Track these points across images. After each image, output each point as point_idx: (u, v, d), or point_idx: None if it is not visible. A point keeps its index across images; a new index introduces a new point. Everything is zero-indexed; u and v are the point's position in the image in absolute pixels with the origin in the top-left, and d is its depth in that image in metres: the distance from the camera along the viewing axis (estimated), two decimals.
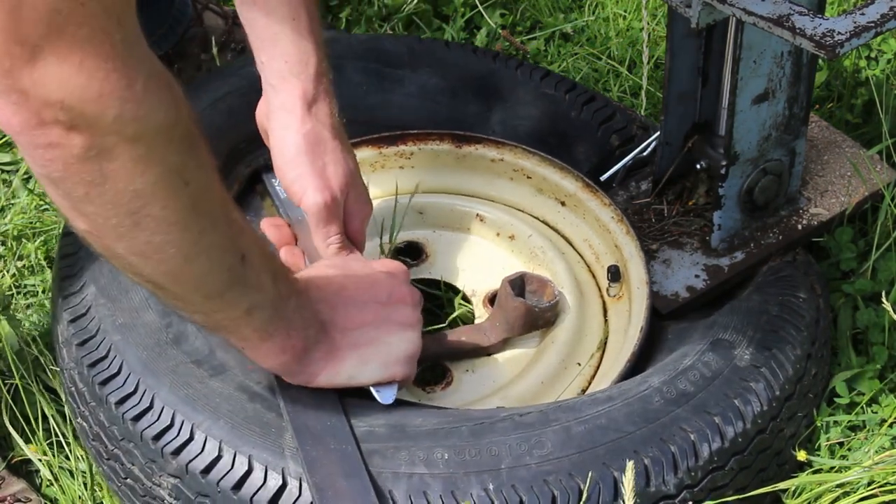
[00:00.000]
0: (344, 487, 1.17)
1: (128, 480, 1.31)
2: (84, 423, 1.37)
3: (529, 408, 1.31)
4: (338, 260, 1.37)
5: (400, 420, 1.26)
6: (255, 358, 1.20)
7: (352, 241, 1.44)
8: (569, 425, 1.26)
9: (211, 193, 1.02)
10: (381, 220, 1.63)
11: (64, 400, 1.48)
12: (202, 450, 1.23)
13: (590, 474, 1.22)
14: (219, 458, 1.22)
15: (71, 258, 1.45)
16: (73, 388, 1.38)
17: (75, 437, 1.49)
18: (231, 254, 1.06)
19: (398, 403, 1.33)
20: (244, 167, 1.64)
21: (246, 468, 1.21)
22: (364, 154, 1.66)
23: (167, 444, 1.24)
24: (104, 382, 1.31)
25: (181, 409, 1.25)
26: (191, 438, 1.24)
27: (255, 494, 1.21)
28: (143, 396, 1.28)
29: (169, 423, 1.25)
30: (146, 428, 1.26)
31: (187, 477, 1.23)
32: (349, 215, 1.43)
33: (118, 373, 1.31)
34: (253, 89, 1.65)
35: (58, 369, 1.47)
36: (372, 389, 1.30)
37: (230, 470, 1.22)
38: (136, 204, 0.96)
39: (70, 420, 1.49)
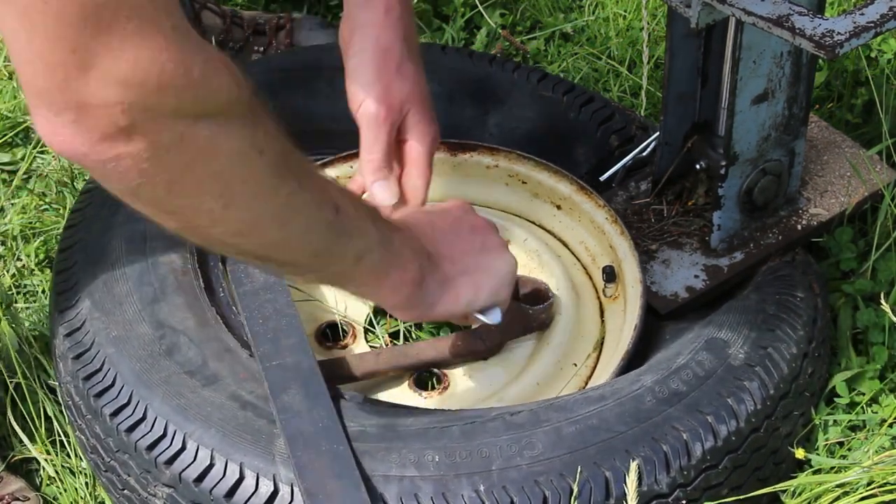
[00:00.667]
0: (334, 488, 1.19)
1: (125, 491, 1.33)
2: (82, 436, 1.40)
3: (520, 406, 1.32)
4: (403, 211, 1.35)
5: (391, 420, 1.27)
6: (376, 300, 1.23)
7: (413, 169, 1.39)
8: (560, 426, 1.26)
9: (288, 156, 1.01)
10: None
11: (63, 413, 1.48)
12: (194, 458, 1.25)
13: (579, 474, 1.22)
14: (211, 466, 1.24)
15: (66, 273, 1.47)
16: (70, 402, 1.41)
17: (75, 437, 1.49)
18: (325, 207, 1.06)
19: (389, 404, 1.33)
20: None
21: (238, 476, 1.23)
22: None
23: (160, 453, 1.26)
24: (99, 395, 1.33)
25: (173, 419, 1.27)
26: (183, 448, 1.26)
27: (247, 501, 1.22)
28: (136, 407, 1.30)
29: (162, 433, 1.27)
30: (140, 438, 1.28)
31: (181, 486, 1.25)
32: (410, 135, 1.38)
33: (112, 385, 1.33)
34: None
35: (57, 383, 1.48)
36: (480, 316, 1.32)
37: (222, 478, 1.24)
38: (219, 186, 0.95)
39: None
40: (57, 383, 1.48)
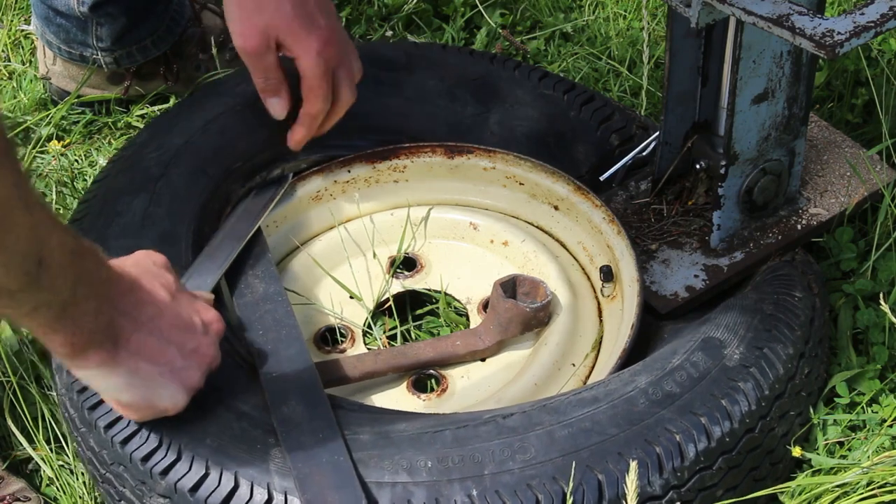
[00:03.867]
0: (335, 499, 1.20)
1: (122, 503, 1.34)
2: (79, 448, 1.41)
3: (513, 409, 1.32)
4: (176, 288, 1.30)
5: (383, 427, 1.28)
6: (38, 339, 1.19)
7: (303, 82, 1.54)
8: (552, 429, 1.27)
9: (4, 197, 0.98)
10: (374, 233, 1.66)
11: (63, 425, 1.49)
12: (189, 469, 1.26)
13: (573, 477, 1.23)
14: (206, 476, 1.25)
15: None
16: (66, 414, 1.42)
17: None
18: (27, 258, 1.02)
19: (382, 410, 1.33)
20: (240, 188, 1.65)
21: (232, 485, 1.24)
22: (359, 170, 1.68)
23: (155, 464, 1.27)
24: (93, 407, 1.34)
25: (168, 430, 1.28)
26: (178, 458, 1.27)
27: None
28: (130, 420, 1.30)
29: (157, 444, 1.28)
30: (135, 450, 1.29)
31: (176, 496, 1.26)
32: (293, 54, 1.52)
33: None
34: (247, 108, 1.66)
35: (54, 394, 1.48)
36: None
37: (217, 487, 1.25)
38: None
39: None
40: (54, 394, 1.48)
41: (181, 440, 1.26)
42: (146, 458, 1.27)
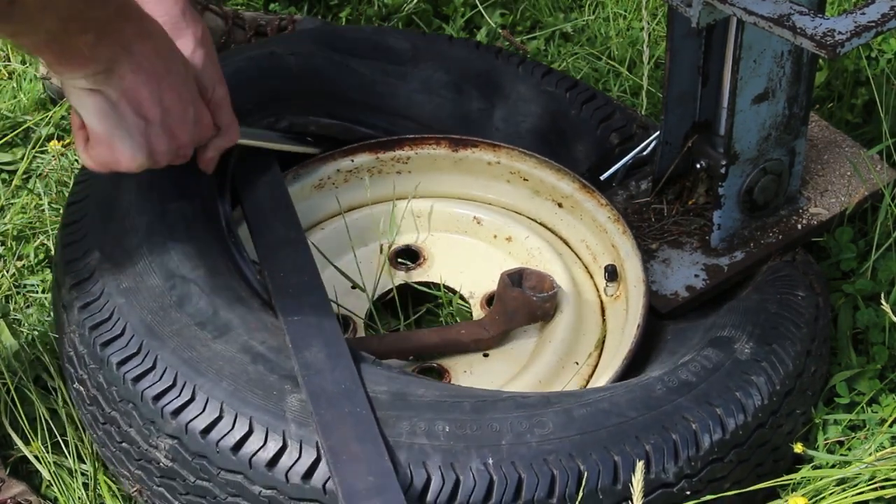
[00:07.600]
0: (358, 451, 1.17)
1: (123, 444, 1.31)
2: (81, 388, 1.37)
3: (531, 392, 1.30)
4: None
5: (402, 388, 1.26)
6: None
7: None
8: (570, 408, 1.25)
9: None
10: (376, 223, 1.65)
11: (62, 366, 1.46)
12: (203, 410, 1.23)
13: (590, 456, 1.21)
14: (219, 418, 1.22)
15: (75, 226, 1.45)
16: (71, 352, 1.38)
17: (75, 438, 1.48)
18: None
19: (402, 371, 1.33)
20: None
21: (246, 429, 1.21)
22: (362, 159, 1.67)
23: (168, 403, 1.25)
24: (106, 344, 1.30)
25: (183, 370, 1.25)
26: (192, 399, 1.24)
27: (254, 455, 1.20)
28: (145, 357, 1.28)
29: (171, 383, 1.25)
30: (147, 388, 1.26)
31: (186, 437, 1.23)
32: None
33: (121, 334, 1.31)
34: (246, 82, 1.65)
35: (56, 335, 1.46)
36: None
37: (230, 431, 1.22)
38: None
39: (70, 411, 1.49)
40: (56, 336, 1.45)
41: (196, 381, 1.24)
42: (158, 397, 1.24)
